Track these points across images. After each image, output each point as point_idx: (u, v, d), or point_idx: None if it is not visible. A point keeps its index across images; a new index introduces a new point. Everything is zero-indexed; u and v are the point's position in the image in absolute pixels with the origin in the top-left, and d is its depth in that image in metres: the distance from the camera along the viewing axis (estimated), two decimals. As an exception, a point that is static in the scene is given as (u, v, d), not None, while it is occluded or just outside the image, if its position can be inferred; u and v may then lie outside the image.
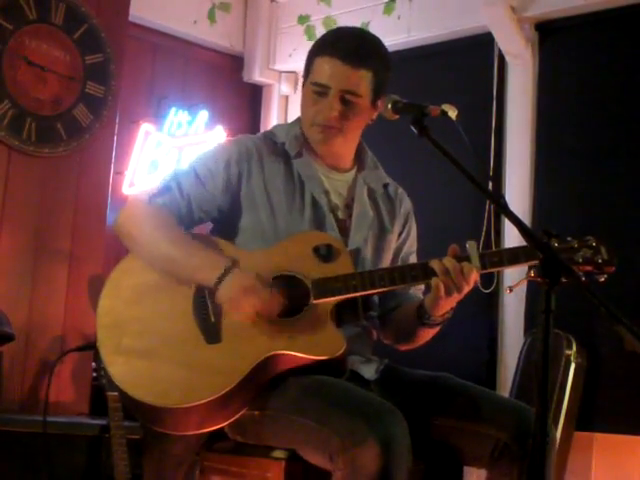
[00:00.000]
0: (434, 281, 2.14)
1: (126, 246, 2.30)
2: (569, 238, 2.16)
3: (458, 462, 2.29)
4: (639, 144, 3.78)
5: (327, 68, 2.25)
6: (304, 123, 2.34)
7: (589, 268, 2.13)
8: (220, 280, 2.15)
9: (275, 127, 2.48)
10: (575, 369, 3.52)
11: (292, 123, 2.42)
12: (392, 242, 2.42)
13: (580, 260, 2.13)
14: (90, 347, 3.67)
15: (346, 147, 2.38)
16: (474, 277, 2.13)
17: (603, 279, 2.14)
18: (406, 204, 2.49)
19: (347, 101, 2.25)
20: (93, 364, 3.86)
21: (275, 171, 2.32)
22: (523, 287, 3.85)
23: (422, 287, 2.40)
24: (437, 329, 2.31)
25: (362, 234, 2.34)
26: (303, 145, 2.35)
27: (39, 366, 3.89)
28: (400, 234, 2.45)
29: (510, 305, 4.05)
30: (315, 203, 2.31)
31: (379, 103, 2.20)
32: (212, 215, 2.33)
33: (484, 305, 4.07)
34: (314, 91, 2.27)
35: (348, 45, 2.26)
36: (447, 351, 3.80)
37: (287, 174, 2.33)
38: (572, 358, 3.52)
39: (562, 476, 3.41)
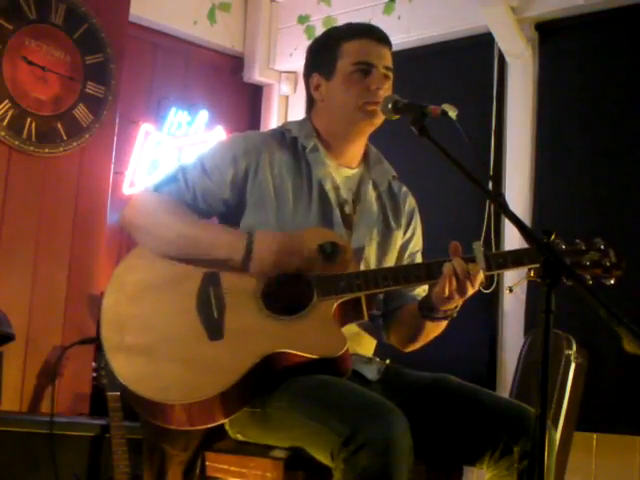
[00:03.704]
0: (439, 281, 2.12)
1: (136, 239, 2.29)
2: (577, 240, 2.12)
3: (458, 462, 2.29)
4: (639, 144, 3.78)
5: (365, 48, 2.31)
6: (346, 109, 2.31)
7: (597, 271, 2.09)
8: (249, 250, 2.15)
9: (286, 123, 2.48)
10: (575, 369, 3.51)
11: (302, 120, 2.43)
12: (397, 240, 2.41)
13: (587, 263, 2.09)
14: (91, 340, 3.69)
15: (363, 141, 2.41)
16: (479, 279, 2.13)
17: (611, 282, 2.10)
18: (410, 202, 2.48)
19: (387, 76, 2.32)
20: (93, 364, 3.86)
21: (284, 166, 2.31)
22: (523, 287, 3.85)
23: (426, 288, 2.38)
24: (439, 326, 2.30)
25: (367, 229, 2.34)
26: (317, 140, 2.36)
27: (39, 366, 3.89)
28: (405, 232, 2.44)
29: (510, 305, 4.05)
30: (323, 198, 2.31)
31: None
32: (218, 209, 2.32)
33: (484, 305, 4.07)
34: (358, 70, 2.29)
35: (371, 27, 2.37)
36: (447, 351, 3.79)
37: (296, 169, 2.33)
38: (572, 358, 3.51)
39: (562, 476, 3.41)
